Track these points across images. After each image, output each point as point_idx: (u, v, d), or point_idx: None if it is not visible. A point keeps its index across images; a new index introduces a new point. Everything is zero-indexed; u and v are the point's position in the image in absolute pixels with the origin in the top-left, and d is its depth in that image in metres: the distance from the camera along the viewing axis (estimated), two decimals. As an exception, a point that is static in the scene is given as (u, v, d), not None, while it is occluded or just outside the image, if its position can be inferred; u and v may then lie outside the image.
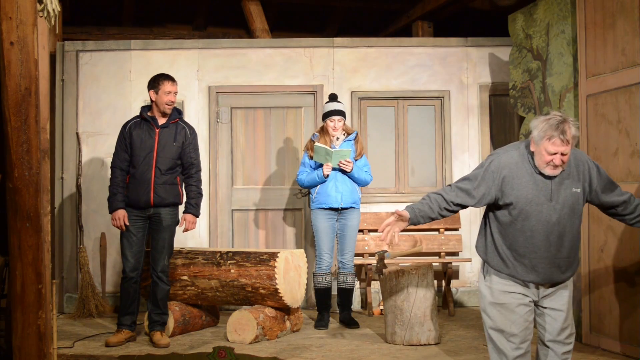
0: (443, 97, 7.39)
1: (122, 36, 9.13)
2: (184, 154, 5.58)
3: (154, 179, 5.47)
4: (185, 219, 5.60)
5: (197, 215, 5.64)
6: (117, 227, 5.51)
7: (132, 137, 5.53)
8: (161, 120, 5.58)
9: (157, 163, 5.48)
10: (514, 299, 3.70)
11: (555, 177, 3.60)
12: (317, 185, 6.21)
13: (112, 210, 5.50)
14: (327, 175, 6.15)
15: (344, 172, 6.17)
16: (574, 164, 3.66)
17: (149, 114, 5.60)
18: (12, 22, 3.27)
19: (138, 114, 5.71)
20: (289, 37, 7.87)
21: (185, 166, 5.61)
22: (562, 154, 3.52)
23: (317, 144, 6.12)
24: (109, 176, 5.64)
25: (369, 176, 6.29)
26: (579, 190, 3.65)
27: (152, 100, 5.60)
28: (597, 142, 5.18)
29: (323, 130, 6.30)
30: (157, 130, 5.55)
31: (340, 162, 6.09)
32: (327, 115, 6.26)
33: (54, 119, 7.17)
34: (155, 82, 5.57)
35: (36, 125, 3.34)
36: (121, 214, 5.45)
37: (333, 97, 6.37)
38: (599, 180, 3.70)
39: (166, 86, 5.54)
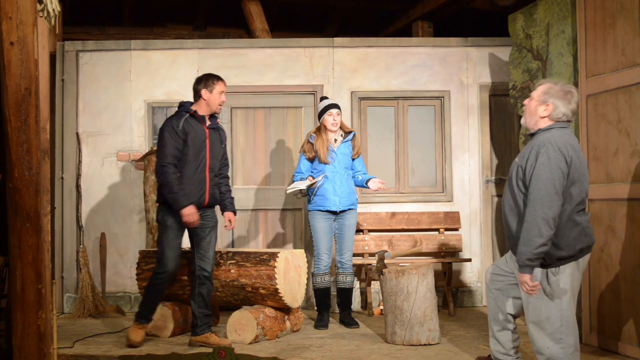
0: (443, 97, 7.39)
1: (122, 36, 9.14)
2: (222, 155, 5.54)
3: (208, 179, 5.38)
4: (230, 219, 5.57)
5: (235, 212, 5.65)
6: (191, 222, 5.25)
7: (186, 134, 5.28)
8: (208, 121, 5.43)
9: (209, 163, 5.37)
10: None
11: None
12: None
13: (182, 206, 5.19)
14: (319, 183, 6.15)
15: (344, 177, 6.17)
16: (533, 143, 3.95)
17: (198, 112, 5.39)
18: (12, 22, 3.27)
19: (181, 109, 5.38)
20: (289, 37, 7.87)
21: (220, 167, 5.53)
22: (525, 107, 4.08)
23: (288, 190, 6.08)
24: (161, 172, 5.22)
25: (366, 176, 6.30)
26: (517, 160, 3.99)
27: (200, 99, 5.36)
28: (597, 142, 5.18)
29: (320, 130, 6.28)
30: (207, 131, 5.39)
31: (371, 180, 6.19)
32: (324, 110, 6.22)
33: (54, 119, 7.17)
34: (209, 81, 5.36)
35: (36, 125, 3.34)
36: (194, 209, 5.24)
37: (323, 98, 6.38)
38: (527, 167, 3.88)
39: (220, 86, 5.38)
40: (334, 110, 6.19)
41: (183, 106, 5.41)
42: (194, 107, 5.38)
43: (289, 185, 6.30)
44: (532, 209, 3.76)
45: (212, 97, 5.36)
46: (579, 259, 3.93)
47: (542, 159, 3.79)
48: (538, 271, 3.89)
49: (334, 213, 6.22)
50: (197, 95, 5.39)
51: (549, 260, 3.88)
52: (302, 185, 6.10)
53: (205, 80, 5.39)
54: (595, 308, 5.18)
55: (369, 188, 6.26)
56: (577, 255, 3.90)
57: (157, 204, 5.42)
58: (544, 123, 3.94)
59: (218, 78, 5.42)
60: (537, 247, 3.72)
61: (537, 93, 3.98)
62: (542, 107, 3.93)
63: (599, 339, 5.12)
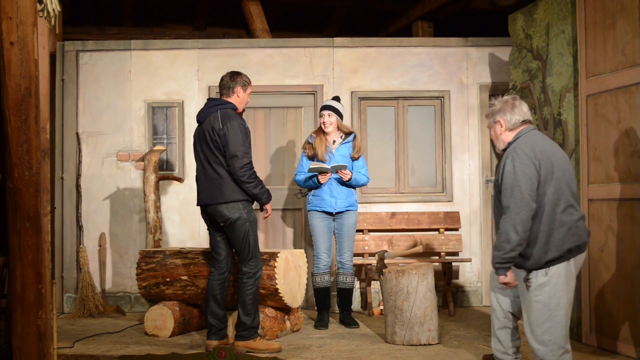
0: (443, 97, 7.39)
1: (122, 36, 9.14)
2: None
3: None
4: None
5: None
6: (269, 215, 5.36)
7: (249, 133, 5.21)
8: None
9: None
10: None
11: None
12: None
13: (270, 200, 5.25)
14: (323, 183, 6.13)
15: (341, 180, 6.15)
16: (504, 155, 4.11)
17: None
18: (12, 22, 3.27)
19: (228, 106, 5.17)
20: (289, 37, 7.87)
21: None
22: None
23: (312, 165, 6.06)
24: (248, 169, 5.07)
25: (366, 178, 6.27)
26: (495, 175, 4.18)
27: (234, 96, 5.22)
28: (597, 142, 5.18)
29: (320, 131, 6.29)
30: None
31: (338, 171, 6.08)
32: (320, 111, 6.28)
33: (54, 119, 7.17)
34: (245, 80, 5.27)
35: (36, 125, 3.34)
36: None
37: (334, 98, 6.37)
38: (499, 178, 4.04)
39: (251, 89, 5.33)
40: (325, 112, 6.21)
41: (225, 104, 5.19)
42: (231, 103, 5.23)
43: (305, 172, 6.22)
44: (504, 216, 3.93)
45: (243, 98, 5.28)
46: (570, 260, 3.94)
47: (507, 167, 3.95)
48: (531, 273, 3.96)
49: (331, 214, 6.22)
50: (230, 91, 5.23)
51: (537, 264, 3.93)
52: (323, 167, 6.04)
53: (242, 79, 5.27)
54: (595, 308, 5.18)
55: (353, 186, 6.24)
56: (566, 255, 3.93)
57: (230, 203, 5.08)
58: (508, 137, 4.14)
59: (250, 79, 5.35)
60: (506, 252, 3.89)
61: (488, 122, 4.27)
62: (497, 127, 4.17)
63: (599, 338, 5.12)
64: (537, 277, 3.93)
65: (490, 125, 4.22)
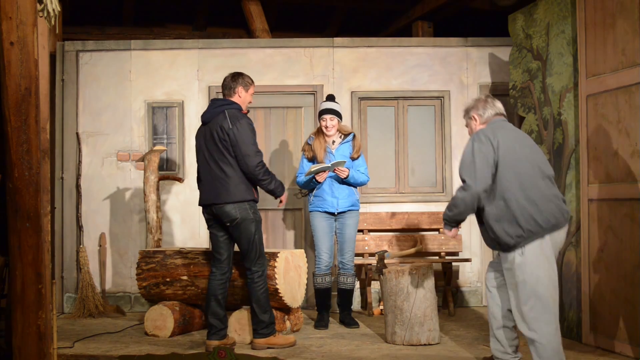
0: (443, 97, 7.39)
1: (122, 36, 9.15)
2: None
3: None
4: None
5: None
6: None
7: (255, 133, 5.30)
8: None
9: None
10: None
11: None
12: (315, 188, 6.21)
13: (284, 192, 5.36)
14: (321, 181, 6.13)
15: (340, 179, 6.14)
16: None
17: None
18: (12, 22, 3.27)
19: (233, 106, 5.22)
20: (289, 37, 7.87)
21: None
22: None
23: (312, 167, 6.06)
24: (262, 166, 5.16)
25: (366, 177, 6.26)
26: None
27: (235, 96, 5.27)
28: (597, 142, 5.18)
29: (319, 132, 6.29)
30: None
31: (335, 169, 6.08)
32: (320, 114, 6.25)
33: (54, 119, 7.17)
34: (247, 80, 5.31)
35: (36, 125, 3.34)
36: None
37: (329, 97, 6.36)
38: None
39: (253, 88, 5.38)
40: (327, 116, 6.20)
41: (231, 104, 5.24)
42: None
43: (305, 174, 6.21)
44: (461, 186, 4.20)
45: (246, 97, 5.32)
46: (545, 237, 4.01)
47: (467, 146, 4.24)
48: (508, 255, 4.08)
49: (333, 214, 6.21)
50: (231, 91, 5.28)
51: (511, 240, 4.02)
52: (324, 166, 6.05)
53: (243, 79, 5.31)
54: (595, 308, 5.18)
55: (352, 184, 6.23)
56: (537, 231, 4.00)
57: (238, 203, 5.12)
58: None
59: (252, 80, 5.39)
60: (454, 214, 4.23)
61: (465, 120, 4.50)
62: (472, 122, 4.41)
63: (599, 338, 5.12)
64: (515, 258, 4.03)
65: (467, 123, 4.43)
